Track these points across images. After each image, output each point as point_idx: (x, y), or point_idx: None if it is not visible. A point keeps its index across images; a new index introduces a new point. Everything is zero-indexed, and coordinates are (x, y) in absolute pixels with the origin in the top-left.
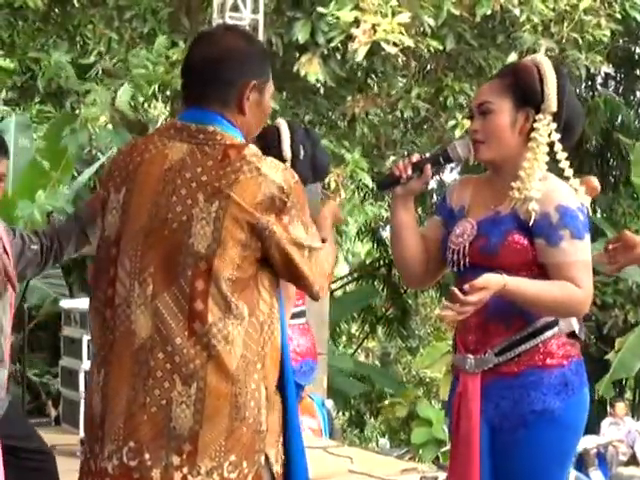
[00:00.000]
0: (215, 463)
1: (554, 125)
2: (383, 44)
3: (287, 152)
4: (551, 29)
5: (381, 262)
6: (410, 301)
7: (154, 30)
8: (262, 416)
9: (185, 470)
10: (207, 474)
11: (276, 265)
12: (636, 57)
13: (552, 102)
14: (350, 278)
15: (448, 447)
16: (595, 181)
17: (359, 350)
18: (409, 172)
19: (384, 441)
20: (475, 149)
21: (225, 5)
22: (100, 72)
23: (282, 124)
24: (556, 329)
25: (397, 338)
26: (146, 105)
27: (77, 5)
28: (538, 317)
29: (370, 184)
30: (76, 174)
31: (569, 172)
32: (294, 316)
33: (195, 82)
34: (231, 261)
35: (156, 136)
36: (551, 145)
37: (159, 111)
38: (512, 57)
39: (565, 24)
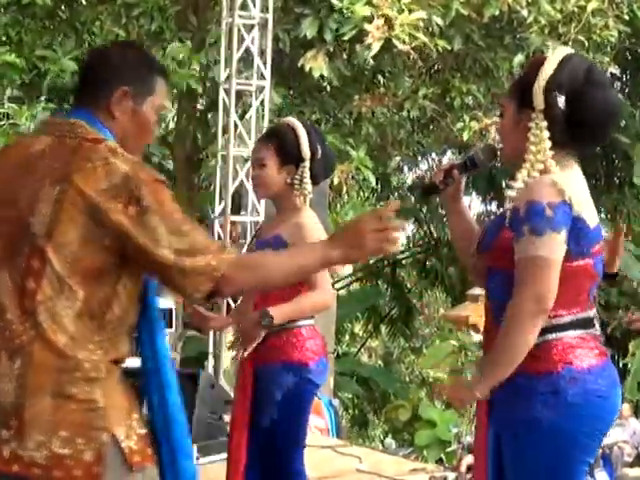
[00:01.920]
0: (43, 438)
1: (544, 123)
2: (395, 41)
3: (307, 151)
4: (558, 30)
5: (385, 262)
6: (414, 301)
7: (161, 28)
8: (95, 394)
9: (14, 445)
10: (36, 448)
11: (133, 259)
12: None
13: (538, 98)
14: (354, 278)
15: (453, 447)
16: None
17: (362, 350)
18: (442, 179)
19: (390, 441)
20: (501, 150)
21: (234, 4)
22: None
23: (296, 124)
24: (563, 334)
25: (400, 338)
26: None
27: (84, 3)
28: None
29: (374, 183)
30: None
31: (555, 169)
32: (307, 317)
33: (78, 84)
34: (69, 244)
35: (32, 132)
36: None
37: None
38: (519, 58)
39: (572, 25)
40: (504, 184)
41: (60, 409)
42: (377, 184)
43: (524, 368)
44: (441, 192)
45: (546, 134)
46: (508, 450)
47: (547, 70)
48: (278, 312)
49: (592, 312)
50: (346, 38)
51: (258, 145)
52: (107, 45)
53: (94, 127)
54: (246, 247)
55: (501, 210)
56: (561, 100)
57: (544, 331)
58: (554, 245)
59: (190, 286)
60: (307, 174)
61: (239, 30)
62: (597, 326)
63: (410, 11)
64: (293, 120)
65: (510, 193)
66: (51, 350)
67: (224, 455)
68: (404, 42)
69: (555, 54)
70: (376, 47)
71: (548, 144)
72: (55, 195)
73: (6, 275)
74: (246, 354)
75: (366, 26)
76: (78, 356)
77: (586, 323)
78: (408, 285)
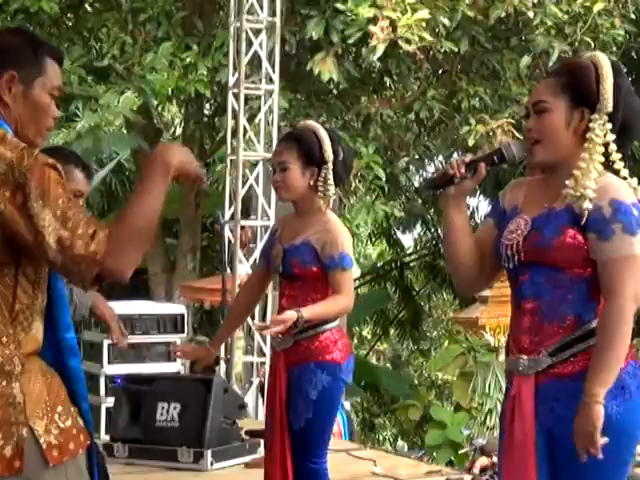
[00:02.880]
0: None
1: (609, 125)
2: (401, 42)
3: (330, 154)
4: (565, 31)
5: (393, 264)
6: (422, 303)
7: (168, 33)
8: (13, 389)
9: None
10: None
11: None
12: None
13: (608, 102)
14: (362, 281)
15: (464, 450)
16: None
17: (370, 353)
18: (463, 171)
19: (402, 443)
20: (530, 150)
21: (242, 8)
22: (115, 75)
23: (317, 127)
24: None
25: (409, 340)
26: (160, 109)
27: (90, 10)
28: (592, 317)
29: (384, 179)
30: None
31: (625, 172)
32: (334, 319)
33: None
34: None
35: None
36: (606, 145)
37: (173, 114)
38: (525, 60)
39: (579, 26)
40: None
41: None
42: (385, 184)
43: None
44: (455, 185)
45: (611, 136)
46: (569, 446)
47: (608, 74)
48: (309, 312)
49: None
50: (351, 41)
51: (280, 148)
52: None
53: None
54: (259, 252)
55: (560, 207)
56: (621, 104)
57: None
58: None
59: (76, 275)
60: (330, 176)
61: (247, 34)
62: None
63: (414, 11)
64: (313, 123)
65: (588, 193)
66: None
67: (238, 460)
68: (409, 42)
69: (601, 58)
70: (381, 49)
71: (614, 146)
72: None
73: None
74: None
75: (371, 28)
76: None
77: None
78: (416, 288)
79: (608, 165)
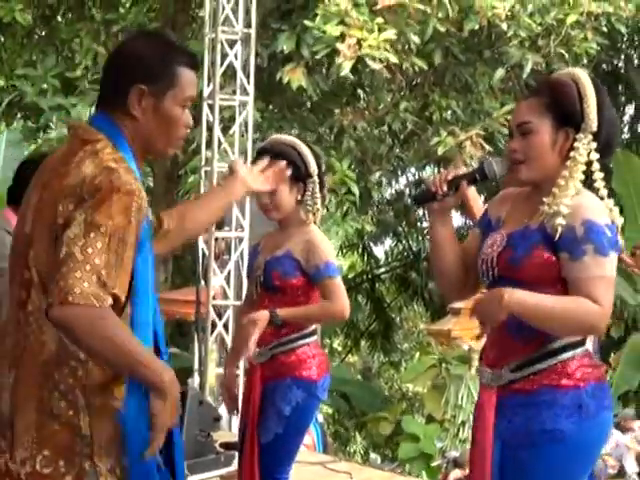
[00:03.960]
0: (27, 454)
1: (594, 144)
2: (368, 60)
3: (314, 168)
4: (538, 43)
5: (364, 276)
6: (393, 315)
7: None
8: (81, 421)
9: (7, 456)
10: (21, 463)
11: None
12: (619, 69)
13: (593, 122)
14: None
15: (437, 462)
16: None
17: (341, 365)
18: (445, 189)
19: (375, 456)
20: (514, 169)
21: (217, 19)
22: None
23: (297, 142)
24: (578, 350)
25: (379, 352)
26: None
27: (63, 20)
28: (558, 337)
29: (357, 194)
30: None
31: (604, 192)
32: (312, 334)
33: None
34: (44, 249)
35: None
36: (589, 164)
37: None
38: (499, 72)
39: (552, 38)
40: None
41: (44, 427)
42: (358, 197)
43: (549, 382)
44: (438, 202)
45: (595, 155)
46: (522, 461)
47: (591, 93)
48: (285, 312)
49: None
50: (318, 57)
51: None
52: (124, 41)
53: (101, 127)
54: (246, 274)
55: (535, 226)
56: (604, 122)
57: (567, 347)
58: (614, 264)
59: (50, 292)
60: (317, 189)
61: (222, 45)
62: None
63: (381, 31)
64: (289, 138)
65: (562, 210)
66: (35, 364)
67: (214, 473)
68: (380, 61)
69: (582, 75)
70: (347, 66)
71: (597, 165)
72: (35, 202)
73: (13, 287)
74: (250, 349)
75: (338, 45)
76: (55, 375)
77: (585, 340)
78: (387, 300)
79: (589, 184)
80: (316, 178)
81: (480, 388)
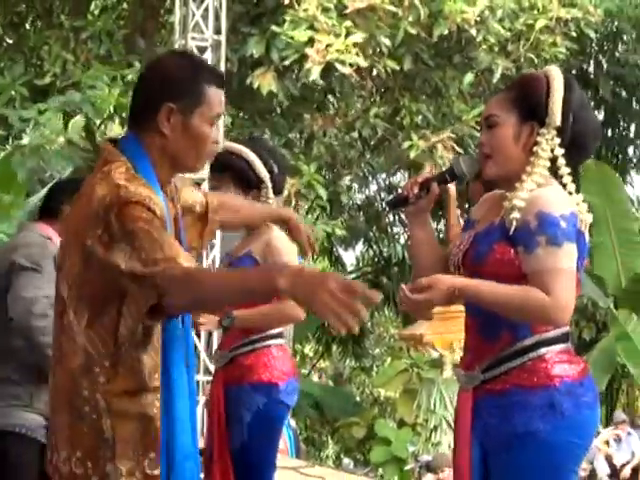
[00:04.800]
0: (66, 454)
1: (558, 140)
2: (337, 65)
3: (264, 173)
4: (508, 48)
5: None
6: (365, 320)
7: (109, 51)
8: (103, 424)
9: (55, 456)
10: (63, 463)
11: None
12: (589, 74)
13: (556, 116)
14: None
15: (410, 466)
16: None
17: (312, 371)
18: (416, 191)
19: (347, 460)
20: (483, 164)
21: (187, 26)
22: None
23: (243, 150)
24: (555, 347)
25: (351, 358)
26: (103, 127)
27: (31, 28)
28: (527, 334)
29: (325, 198)
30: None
31: (571, 187)
32: (277, 336)
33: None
34: (73, 264)
35: None
36: (555, 159)
37: (115, 133)
38: (468, 77)
39: (521, 43)
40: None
41: (75, 429)
42: (328, 203)
43: (519, 382)
44: (411, 205)
45: (559, 151)
46: (499, 464)
47: (559, 88)
48: (241, 313)
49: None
50: (287, 62)
51: (215, 183)
52: (152, 62)
53: (127, 148)
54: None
55: (497, 222)
56: (571, 119)
57: (538, 344)
58: (573, 255)
59: (141, 299)
60: (270, 193)
61: (192, 52)
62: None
63: (348, 35)
64: (239, 147)
65: (517, 203)
66: (65, 372)
67: None
68: (350, 65)
69: (553, 72)
70: (316, 71)
71: (562, 161)
72: (68, 220)
73: (57, 298)
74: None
75: (307, 50)
76: (83, 382)
77: (568, 336)
78: None
79: (557, 179)
80: (269, 183)
81: (459, 391)
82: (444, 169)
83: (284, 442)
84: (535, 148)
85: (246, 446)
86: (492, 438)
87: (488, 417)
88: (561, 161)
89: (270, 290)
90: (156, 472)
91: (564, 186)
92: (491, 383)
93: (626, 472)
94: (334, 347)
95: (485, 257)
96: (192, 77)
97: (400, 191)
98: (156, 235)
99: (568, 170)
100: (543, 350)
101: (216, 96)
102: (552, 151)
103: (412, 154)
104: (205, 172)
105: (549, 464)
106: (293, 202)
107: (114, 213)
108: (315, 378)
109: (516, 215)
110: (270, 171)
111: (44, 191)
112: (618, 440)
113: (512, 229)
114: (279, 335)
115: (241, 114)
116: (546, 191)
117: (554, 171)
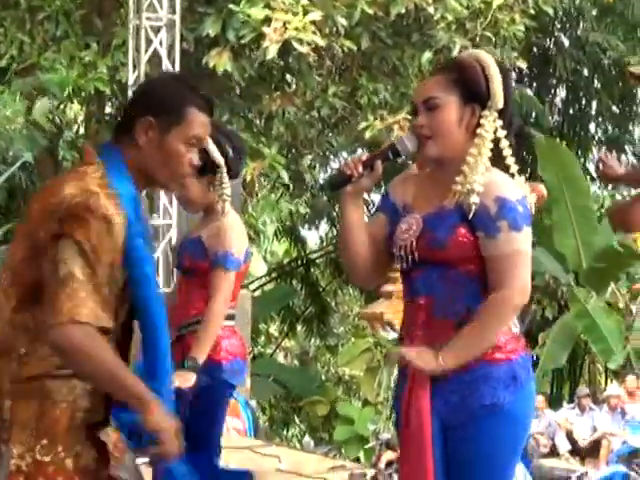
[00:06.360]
0: None
1: (500, 122)
2: (295, 43)
3: (219, 159)
4: (466, 26)
5: (299, 261)
6: (329, 299)
7: (67, 32)
8: (4, 406)
9: None
10: None
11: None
12: (550, 53)
13: (499, 99)
14: (268, 278)
15: (371, 444)
16: (543, 188)
17: (277, 350)
18: (360, 170)
19: (308, 439)
20: (423, 145)
21: (141, 5)
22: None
23: None
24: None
25: (316, 337)
26: (62, 107)
27: None
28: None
29: (287, 180)
30: None
31: (514, 169)
32: (227, 318)
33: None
34: (14, 255)
35: None
36: (497, 142)
37: (76, 112)
38: (427, 55)
39: (479, 21)
40: None
41: None
42: (289, 183)
43: (483, 357)
44: (353, 184)
45: (502, 132)
46: (463, 436)
47: (496, 73)
48: (198, 350)
49: None
50: (244, 41)
51: None
52: (150, 78)
53: (103, 154)
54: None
55: (450, 206)
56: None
57: None
58: (529, 239)
59: (47, 315)
60: (225, 178)
61: (146, 32)
62: None
63: (306, 13)
64: None
65: (476, 187)
66: None
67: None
68: (301, 43)
69: (486, 56)
70: (273, 50)
71: (505, 142)
72: (29, 209)
73: None
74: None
75: (264, 29)
76: None
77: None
78: (322, 284)
79: (499, 161)
80: (223, 167)
81: (407, 370)
82: (384, 147)
83: (242, 422)
84: (479, 130)
85: (187, 426)
86: (455, 414)
87: (449, 395)
88: (504, 142)
89: (139, 409)
90: (47, 459)
91: (508, 168)
92: None
93: (586, 445)
94: (299, 326)
95: (446, 241)
96: (177, 96)
97: (339, 170)
98: (84, 277)
99: (511, 151)
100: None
101: (198, 119)
102: (495, 133)
103: (368, 134)
104: None
105: (511, 432)
106: (257, 186)
107: (74, 216)
108: (281, 357)
109: (475, 199)
110: (225, 155)
111: (10, 171)
112: (580, 415)
113: (472, 214)
114: (229, 317)
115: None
116: (497, 175)
117: (496, 152)
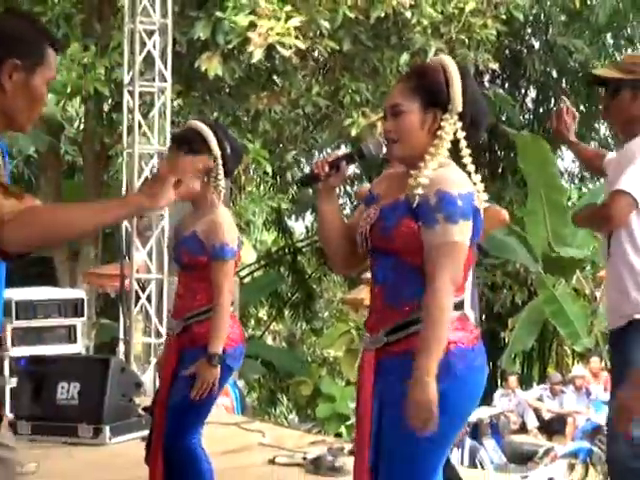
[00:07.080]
0: None
1: (460, 124)
2: (278, 47)
3: (216, 150)
4: (440, 30)
5: (286, 250)
6: (314, 285)
7: (67, 35)
8: None
9: None
10: None
11: None
12: (521, 55)
13: (458, 103)
14: (257, 266)
15: (352, 421)
16: (506, 214)
17: (266, 333)
18: (327, 170)
19: (293, 416)
20: (388, 147)
21: (136, 10)
22: None
23: (200, 125)
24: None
25: (302, 320)
26: (63, 104)
27: None
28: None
29: (271, 173)
30: None
31: (471, 168)
32: None
33: None
34: None
35: None
36: (457, 142)
37: (76, 109)
38: (404, 57)
39: (453, 25)
40: None
41: None
42: (275, 177)
43: (417, 346)
44: (322, 182)
45: (461, 134)
46: (395, 416)
47: (456, 76)
48: (216, 343)
49: (464, 295)
50: (231, 46)
51: (171, 154)
52: None
53: None
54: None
55: (402, 198)
56: (469, 104)
57: None
58: (466, 232)
59: None
60: (221, 171)
61: (140, 35)
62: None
63: (288, 19)
64: (196, 122)
65: (422, 181)
66: None
67: (135, 434)
68: (284, 47)
69: (448, 61)
70: (258, 53)
71: (464, 143)
72: None
73: None
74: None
75: (249, 34)
76: None
77: (462, 305)
78: (308, 271)
79: (458, 161)
80: (220, 160)
81: (362, 351)
82: (351, 150)
83: (230, 401)
84: (439, 132)
85: (187, 401)
86: (390, 394)
87: (388, 375)
88: (463, 143)
89: (137, 211)
90: None
91: (464, 166)
92: (393, 345)
93: (550, 418)
94: (286, 311)
95: (392, 231)
96: (36, 37)
97: (309, 170)
98: None
99: (469, 151)
100: None
101: (54, 59)
102: (455, 134)
103: (353, 131)
104: (155, 146)
105: (441, 420)
106: (243, 178)
107: None
108: (270, 340)
109: (419, 191)
110: (223, 149)
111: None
112: (552, 397)
113: (414, 204)
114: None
115: (191, 94)
116: (447, 171)
117: (456, 152)
